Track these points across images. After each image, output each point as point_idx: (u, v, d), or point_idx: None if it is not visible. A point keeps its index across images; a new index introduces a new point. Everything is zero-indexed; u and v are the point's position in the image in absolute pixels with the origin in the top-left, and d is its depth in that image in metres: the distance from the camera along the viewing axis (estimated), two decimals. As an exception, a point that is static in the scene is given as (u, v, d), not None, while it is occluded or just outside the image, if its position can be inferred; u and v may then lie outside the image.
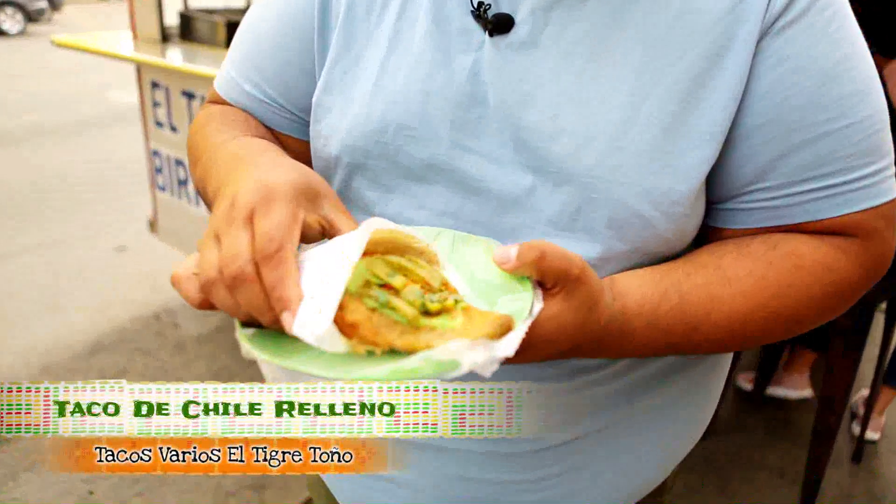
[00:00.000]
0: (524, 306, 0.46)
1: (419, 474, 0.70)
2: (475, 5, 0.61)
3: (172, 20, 2.90)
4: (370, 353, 0.43)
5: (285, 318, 0.42)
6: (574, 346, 0.52)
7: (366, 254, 0.45)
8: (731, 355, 0.81)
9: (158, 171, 2.74)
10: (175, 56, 2.49)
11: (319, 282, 0.42)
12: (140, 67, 2.57)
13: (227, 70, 0.76)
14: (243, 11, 3.25)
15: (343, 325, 0.42)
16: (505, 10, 0.61)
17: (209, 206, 0.67)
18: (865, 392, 2.29)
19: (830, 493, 2.04)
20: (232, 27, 2.64)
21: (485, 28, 0.61)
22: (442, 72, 0.62)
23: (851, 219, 0.60)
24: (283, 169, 0.51)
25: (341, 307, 0.43)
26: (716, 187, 0.62)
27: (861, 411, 2.24)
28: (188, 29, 2.80)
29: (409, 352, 0.42)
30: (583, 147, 0.58)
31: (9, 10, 12.15)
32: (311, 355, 0.43)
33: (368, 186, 0.66)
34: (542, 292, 0.49)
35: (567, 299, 0.49)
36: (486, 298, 0.49)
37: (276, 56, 0.71)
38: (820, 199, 0.59)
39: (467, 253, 0.56)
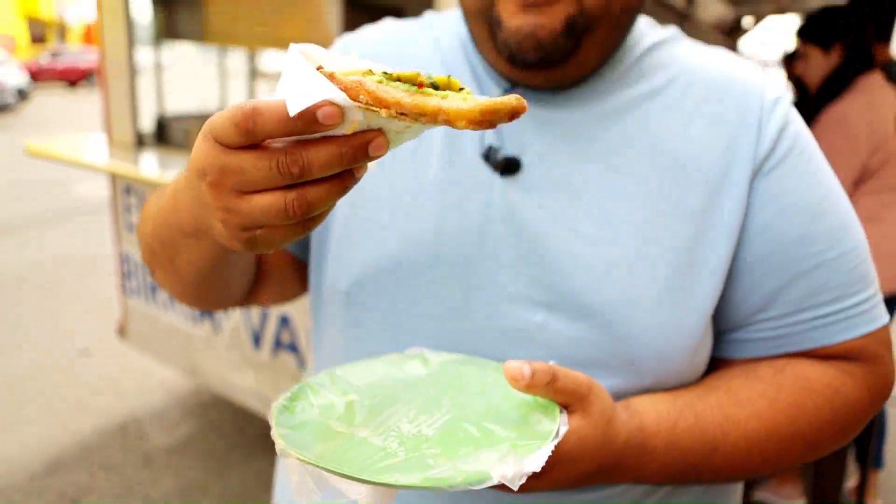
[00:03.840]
0: (552, 428, 0.49)
1: None
2: (484, 149, 0.64)
3: (147, 122, 2.92)
4: (370, 114, 0.39)
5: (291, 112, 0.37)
6: (598, 466, 0.54)
7: None
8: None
9: (129, 275, 2.68)
10: (150, 162, 2.49)
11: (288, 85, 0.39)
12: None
13: None
14: (218, 114, 3.30)
15: (346, 87, 0.39)
16: (513, 152, 0.64)
17: (166, 258, 0.63)
18: (852, 481, 2.27)
19: None
20: (208, 132, 2.66)
21: (494, 170, 0.63)
22: (455, 211, 0.63)
23: (853, 344, 0.63)
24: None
25: (337, 80, 0.39)
26: (723, 318, 0.64)
27: (852, 500, 2.22)
28: (164, 133, 2.82)
29: (418, 112, 0.38)
30: (599, 282, 0.59)
31: (-25, 102, 12.20)
32: (346, 456, 0.45)
33: (373, 319, 0.67)
34: (566, 417, 0.52)
35: (584, 416, 0.52)
36: (515, 420, 0.51)
37: None
38: (822, 326, 0.62)
39: (489, 377, 0.58)
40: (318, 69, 0.40)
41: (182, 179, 0.51)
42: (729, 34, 3.99)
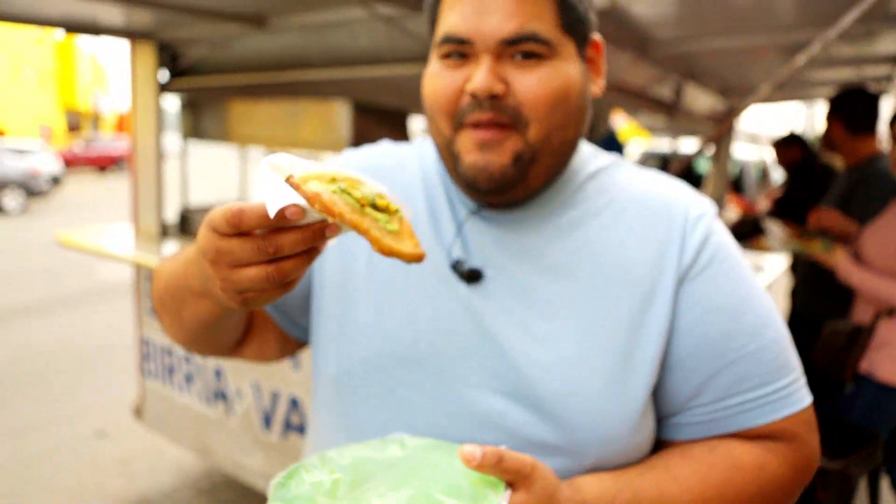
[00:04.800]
0: (497, 502, 0.59)
1: None
2: (452, 260, 0.76)
3: (171, 213, 3.13)
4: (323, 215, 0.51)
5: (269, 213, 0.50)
6: None
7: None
8: None
9: (147, 357, 2.80)
10: (171, 251, 2.66)
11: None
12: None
13: None
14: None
15: (307, 194, 0.51)
16: (477, 264, 0.76)
17: (174, 312, 0.77)
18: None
19: None
20: (227, 223, 2.85)
21: (461, 279, 0.75)
22: (428, 312, 0.76)
23: (776, 425, 0.72)
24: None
25: (305, 184, 0.51)
26: (662, 405, 0.75)
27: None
28: (187, 224, 3.01)
29: (353, 226, 0.51)
30: (548, 376, 0.70)
31: (11, 189, 12.80)
32: None
33: (359, 404, 0.78)
34: (510, 493, 0.60)
35: (527, 492, 0.61)
36: (469, 496, 0.61)
37: None
38: (747, 410, 0.72)
39: (454, 460, 0.67)
40: (288, 178, 0.52)
41: (192, 254, 0.65)
42: (721, 121, 4.21)
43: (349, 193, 0.53)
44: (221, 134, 2.96)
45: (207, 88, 3.03)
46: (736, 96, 4.14)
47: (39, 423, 3.59)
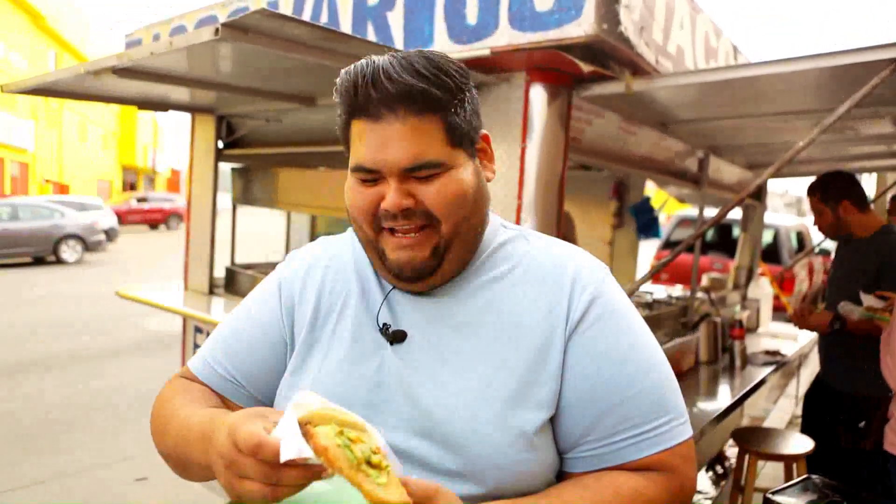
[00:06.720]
0: None
1: None
2: (381, 325, 0.91)
3: (219, 271, 3.35)
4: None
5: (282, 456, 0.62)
6: None
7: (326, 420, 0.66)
8: None
9: (190, 407, 2.96)
10: (218, 308, 2.87)
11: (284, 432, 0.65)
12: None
13: (204, 356, 1.03)
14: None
15: (317, 446, 0.62)
16: (402, 327, 0.90)
17: (182, 466, 0.90)
18: None
19: None
20: (270, 281, 3.05)
21: (387, 339, 0.91)
22: (360, 369, 0.91)
23: (653, 459, 0.85)
24: (237, 413, 0.73)
25: (316, 430, 0.63)
26: (560, 443, 0.89)
27: None
28: (232, 282, 3.23)
29: (350, 480, 0.62)
30: (452, 417, 0.85)
31: (71, 241, 13.51)
32: None
33: None
34: None
35: None
36: None
37: (251, 356, 0.98)
38: (628, 445, 0.85)
39: None
40: (305, 426, 0.64)
41: (198, 433, 0.79)
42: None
43: (351, 450, 0.65)
44: (269, 200, 3.20)
45: (258, 156, 3.30)
46: (763, 169, 4.24)
47: (85, 467, 3.75)
